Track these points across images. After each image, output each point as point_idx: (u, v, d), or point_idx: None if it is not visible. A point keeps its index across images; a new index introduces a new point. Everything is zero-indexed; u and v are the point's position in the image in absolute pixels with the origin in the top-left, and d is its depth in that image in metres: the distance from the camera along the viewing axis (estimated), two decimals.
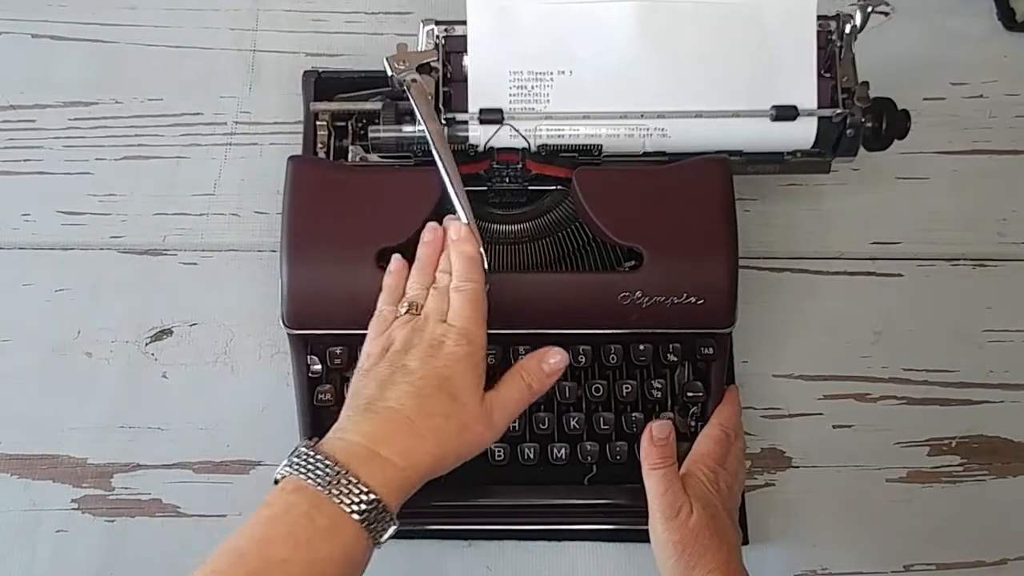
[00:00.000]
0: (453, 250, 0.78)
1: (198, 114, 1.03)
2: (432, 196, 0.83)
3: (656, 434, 0.79)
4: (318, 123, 0.90)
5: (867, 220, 1.00)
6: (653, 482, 0.78)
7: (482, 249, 0.78)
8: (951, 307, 0.98)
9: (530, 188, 0.89)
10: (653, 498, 0.78)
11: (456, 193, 0.80)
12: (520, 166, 0.87)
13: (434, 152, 0.81)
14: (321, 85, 0.95)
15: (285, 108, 1.03)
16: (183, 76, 1.05)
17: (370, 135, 0.87)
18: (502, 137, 0.87)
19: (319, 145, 0.90)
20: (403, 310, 0.76)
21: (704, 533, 0.76)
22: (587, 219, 0.84)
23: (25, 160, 1.01)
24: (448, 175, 0.80)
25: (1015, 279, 0.99)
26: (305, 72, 0.97)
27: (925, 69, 1.05)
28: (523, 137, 0.86)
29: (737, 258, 0.82)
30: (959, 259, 0.99)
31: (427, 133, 0.82)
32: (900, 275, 0.99)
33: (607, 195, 0.84)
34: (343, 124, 0.90)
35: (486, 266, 0.78)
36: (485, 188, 0.89)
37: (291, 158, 0.85)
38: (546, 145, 0.87)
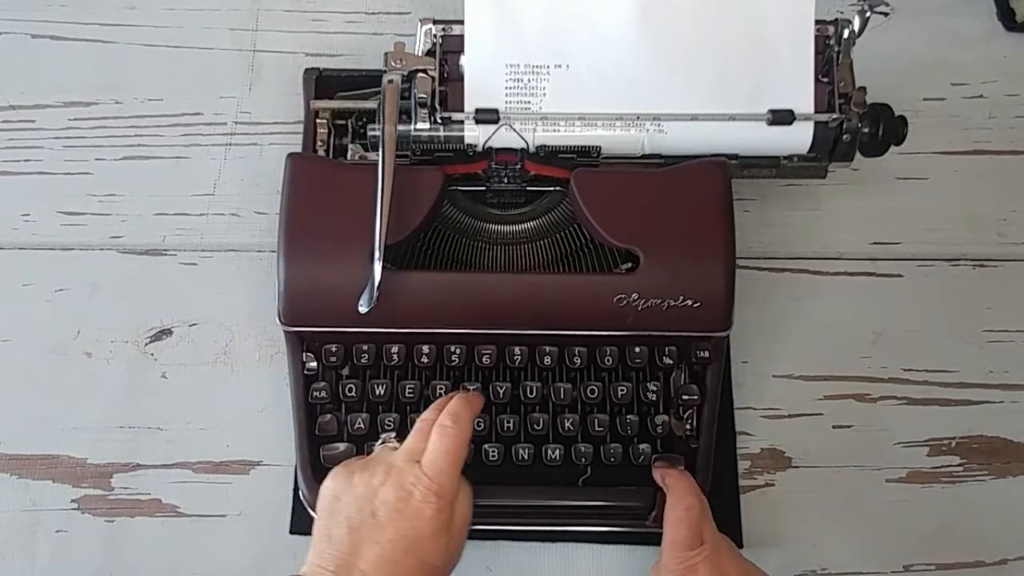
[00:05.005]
0: (457, 395, 0.78)
1: (198, 114, 1.03)
2: (430, 195, 0.84)
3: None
4: (318, 121, 0.90)
5: (867, 220, 1.00)
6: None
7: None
8: (951, 307, 0.98)
9: (528, 189, 0.89)
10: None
11: (382, 200, 0.79)
12: (519, 166, 0.88)
13: (380, 153, 0.81)
14: (322, 83, 0.95)
15: (285, 108, 1.03)
16: (183, 76, 1.05)
17: (369, 134, 0.88)
18: (500, 137, 0.86)
19: (319, 143, 0.90)
20: (388, 437, 0.79)
21: None
22: (584, 221, 0.84)
23: (25, 160, 1.01)
24: (382, 180, 0.80)
25: (1015, 279, 0.99)
26: (306, 70, 0.97)
27: (925, 69, 1.05)
28: (521, 137, 0.86)
29: (734, 261, 0.82)
30: (959, 259, 0.99)
31: (380, 132, 0.82)
32: (900, 275, 0.99)
33: (605, 197, 0.84)
34: (343, 122, 0.91)
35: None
36: (483, 188, 0.89)
37: (290, 155, 0.86)
38: (545, 146, 0.87)
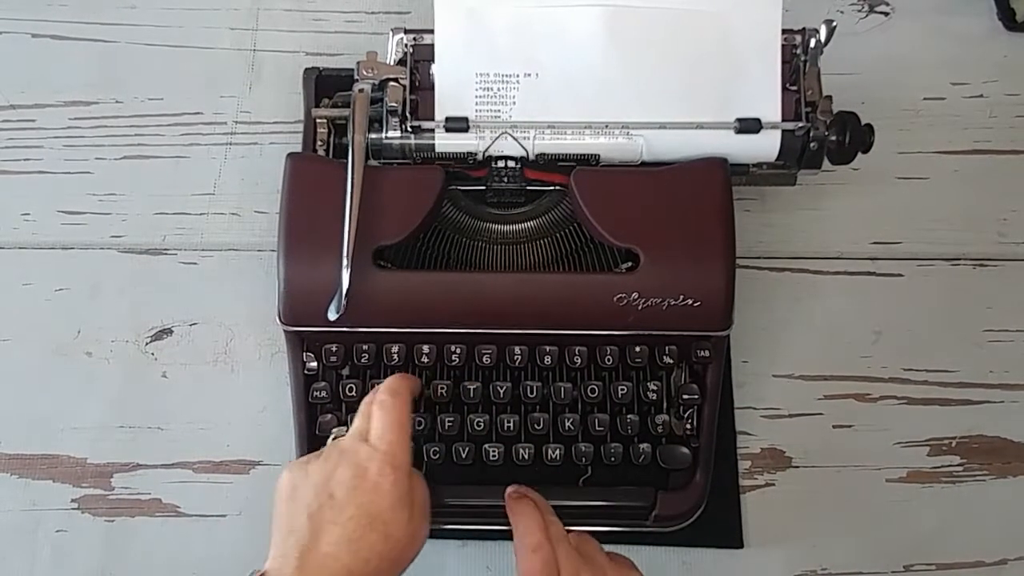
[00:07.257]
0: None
1: (198, 114, 1.03)
2: (430, 195, 0.84)
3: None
4: (318, 121, 0.90)
5: (867, 220, 1.00)
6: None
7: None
8: (951, 307, 0.97)
9: (528, 188, 0.89)
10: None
11: (351, 207, 0.80)
12: (518, 168, 0.88)
13: (349, 161, 0.82)
14: (321, 83, 0.95)
15: (285, 108, 1.03)
16: (183, 76, 1.05)
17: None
18: (500, 145, 0.87)
19: (319, 143, 0.90)
20: (338, 431, 0.79)
21: None
22: (584, 220, 0.84)
23: (25, 160, 1.01)
24: (351, 188, 0.81)
25: (1015, 279, 0.98)
26: (306, 69, 0.97)
27: (925, 69, 1.05)
28: (521, 146, 0.86)
29: (734, 260, 0.82)
30: (959, 259, 0.99)
31: (350, 142, 0.83)
32: (900, 275, 0.98)
33: (605, 196, 0.84)
34: (343, 122, 0.91)
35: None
36: (483, 188, 0.89)
37: (290, 155, 0.86)
38: (544, 154, 0.87)
